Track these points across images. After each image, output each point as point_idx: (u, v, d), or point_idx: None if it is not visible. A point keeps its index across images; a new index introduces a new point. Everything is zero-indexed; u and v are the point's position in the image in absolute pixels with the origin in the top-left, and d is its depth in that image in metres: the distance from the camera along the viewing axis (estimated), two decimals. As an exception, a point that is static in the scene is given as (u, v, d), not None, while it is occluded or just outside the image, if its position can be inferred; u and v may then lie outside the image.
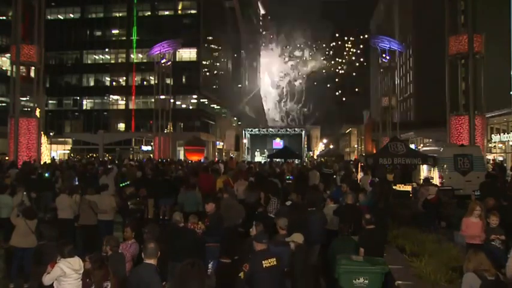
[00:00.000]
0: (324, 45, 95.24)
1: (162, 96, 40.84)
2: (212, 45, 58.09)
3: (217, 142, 58.90)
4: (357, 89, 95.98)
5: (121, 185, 15.05)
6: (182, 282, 3.89)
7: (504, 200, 9.36)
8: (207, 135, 53.90)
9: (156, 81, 40.94)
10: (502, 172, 17.50)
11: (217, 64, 62.18)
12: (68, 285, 5.16)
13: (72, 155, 45.06)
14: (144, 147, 50.06)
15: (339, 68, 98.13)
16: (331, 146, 72.31)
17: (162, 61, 39.80)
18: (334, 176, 17.84)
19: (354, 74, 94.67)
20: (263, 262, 5.05)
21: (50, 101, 54.35)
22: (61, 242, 5.59)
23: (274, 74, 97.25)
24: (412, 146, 27.97)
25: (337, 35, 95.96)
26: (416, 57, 55.53)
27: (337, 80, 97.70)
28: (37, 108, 25.42)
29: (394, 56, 38.95)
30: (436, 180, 14.35)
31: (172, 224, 7.40)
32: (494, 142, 29.06)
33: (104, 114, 55.09)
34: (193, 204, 10.94)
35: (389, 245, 7.79)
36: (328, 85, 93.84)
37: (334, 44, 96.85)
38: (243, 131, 51.00)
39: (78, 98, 55.98)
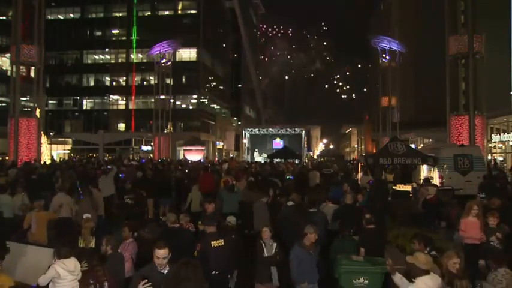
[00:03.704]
0: (323, 44, 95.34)
1: (162, 96, 40.78)
2: (212, 45, 58.04)
3: (217, 142, 58.86)
4: (356, 89, 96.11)
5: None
6: (176, 282, 3.83)
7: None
8: (207, 135, 53.88)
9: (156, 81, 40.89)
10: (498, 172, 17.48)
11: (217, 64, 62.14)
12: (63, 287, 4.99)
13: (72, 155, 45.03)
14: (144, 147, 50.03)
15: (338, 68, 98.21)
16: (331, 146, 72.34)
17: (162, 61, 39.75)
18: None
19: (354, 74, 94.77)
20: (212, 243, 5.88)
21: (50, 101, 54.32)
22: (59, 243, 5.50)
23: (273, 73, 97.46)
24: (412, 146, 27.97)
25: (336, 35, 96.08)
26: (416, 57, 55.37)
27: (337, 80, 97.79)
28: (37, 108, 25.40)
29: (394, 56, 38.88)
30: (436, 180, 14.33)
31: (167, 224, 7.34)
32: (494, 142, 29.06)
33: (104, 114, 55.08)
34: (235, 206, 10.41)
35: (389, 245, 7.79)
36: (327, 85, 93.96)
37: (333, 44, 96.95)
38: (243, 131, 50.95)
39: (78, 98, 55.96)
